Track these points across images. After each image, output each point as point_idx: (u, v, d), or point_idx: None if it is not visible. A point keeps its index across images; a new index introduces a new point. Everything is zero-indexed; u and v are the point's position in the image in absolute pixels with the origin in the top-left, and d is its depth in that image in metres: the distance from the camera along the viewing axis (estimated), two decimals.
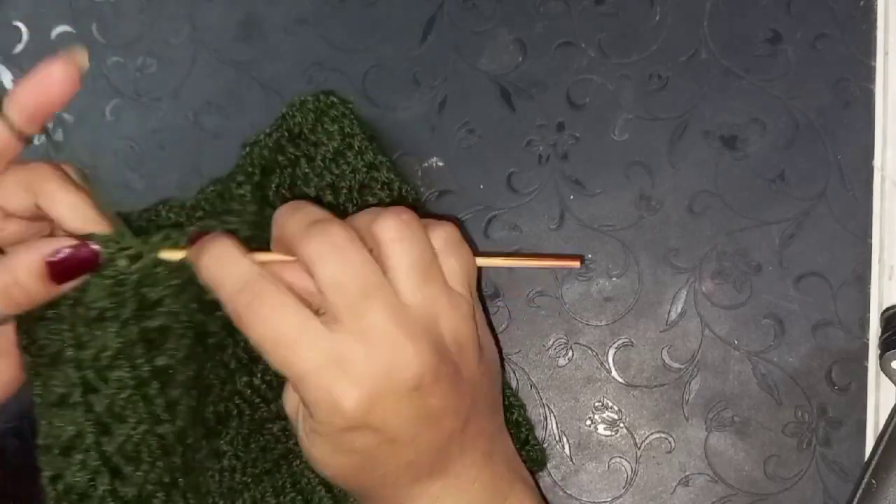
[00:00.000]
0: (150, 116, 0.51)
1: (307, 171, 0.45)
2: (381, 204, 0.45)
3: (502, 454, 0.41)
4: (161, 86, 0.51)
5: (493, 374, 0.41)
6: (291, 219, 0.37)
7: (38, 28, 0.51)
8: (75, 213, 0.38)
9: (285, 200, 0.45)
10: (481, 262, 0.40)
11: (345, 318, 0.35)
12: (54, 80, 0.37)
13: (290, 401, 0.39)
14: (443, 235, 0.38)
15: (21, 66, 0.51)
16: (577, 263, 0.41)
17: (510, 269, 0.49)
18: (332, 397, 0.34)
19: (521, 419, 0.46)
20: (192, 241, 0.38)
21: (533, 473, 0.46)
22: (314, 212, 0.37)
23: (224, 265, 0.36)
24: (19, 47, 0.51)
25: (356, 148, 0.45)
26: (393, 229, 0.36)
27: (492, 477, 0.40)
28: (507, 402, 0.45)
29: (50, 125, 0.51)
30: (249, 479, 0.44)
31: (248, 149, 0.46)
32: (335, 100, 0.46)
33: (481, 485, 0.39)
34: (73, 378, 0.38)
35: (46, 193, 0.38)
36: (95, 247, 0.37)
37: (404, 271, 0.36)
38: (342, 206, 0.45)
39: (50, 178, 0.38)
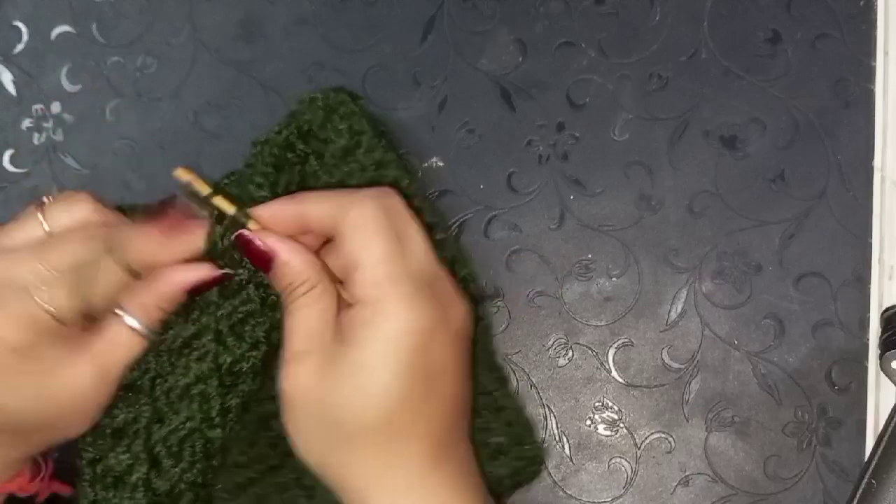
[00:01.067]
0: (150, 116, 0.51)
1: (316, 168, 0.45)
2: None
3: (460, 462, 0.41)
4: (161, 86, 0.51)
5: (463, 387, 0.42)
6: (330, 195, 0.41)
7: (38, 28, 0.51)
8: (178, 256, 0.41)
9: None
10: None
11: (419, 250, 0.40)
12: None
13: (304, 359, 0.39)
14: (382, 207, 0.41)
15: (21, 66, 0.51)
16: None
17: (510, 270, 0.49)
18: (422, 303, 0.38)
19: (513, 420, 0.46)
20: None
21: (531, 477, 0.46)
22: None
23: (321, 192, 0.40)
24: (19, 47, 0.51)
25: (365, 145, 0.45)
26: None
27: (442, 482, 0.40)
28: (497, 405, 0.45)
29: (50, 124, 0.51)
30: (255, 475, 0.44)
31: (259, 147, 0.45)
32: (345, 97, 0.45)
33: (429, 489, 0.40)
34: (149, 362, 0.40)
35: (141, 256, 0.41)
36: (228, 271, 0.41)
37: (417, 242, 0.40)
38: None
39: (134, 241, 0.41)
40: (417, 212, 0.45)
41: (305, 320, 0.38)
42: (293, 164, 0.45)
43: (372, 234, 0.38)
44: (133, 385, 0.40)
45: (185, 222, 0.41)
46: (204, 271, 0.40)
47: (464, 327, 0.40)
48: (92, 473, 0.40)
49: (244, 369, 0.40)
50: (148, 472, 0.39)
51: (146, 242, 0.40)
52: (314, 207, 0.40)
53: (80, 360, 0.39)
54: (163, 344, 0.40)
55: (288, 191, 0.45)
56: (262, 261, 0.39)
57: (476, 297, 0.46)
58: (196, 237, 0.41)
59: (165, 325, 0.41)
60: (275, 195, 0.45)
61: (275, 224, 0.40)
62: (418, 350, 0.37)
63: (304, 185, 0.46)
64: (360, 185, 0.45)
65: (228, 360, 0.40)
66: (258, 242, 0.39)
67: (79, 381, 0.39)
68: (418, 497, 0.38)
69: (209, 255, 0.40)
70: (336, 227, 0.39)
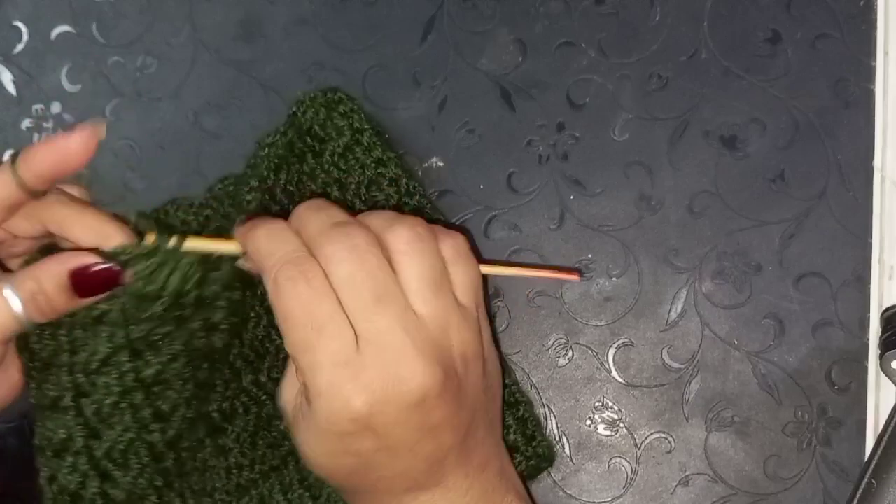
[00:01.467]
0: (150, 116, 0.51)
1: (314, 166, 0.45)
2: (389, 200, 0.45)
3: (497, 467, 0.41)
4: (161, 86, 0.51)
5: (495, 389, 0.42)
6: (315, 217, 0.37)
7: (38, 28, 0.51)
8: (90, 233, 0.39)
9: (291, 196, 0.45)
10: (485, 270, 0.40)
11: (357, 320, 0.35)
12: (71, 149, 0.38)
13: (288, 390, 0.39)
14: (453, 246, 0.38)
15: (21, 66, 0.51)
16: (575, 277, 0.44)
17: None
18: (342, 394, 0.35)
19: (527, 415, 0.46)
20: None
21: (524, 478, 0.46)
22: (337, 213, 0.38)
23: (277, 239, 0.37)
24: (19, 47, 0.51)
25: (365, 144, 0.45)
26: (407, 240, 0.37)
27: (483, 488, 0.40)
28: (512, 399, 0.45)
29: (50, 125, 0.51)
30: (257, 476, 0.44)
31: (266, 150, 0.45)
32: (343, 95, 0.46)
33: (472, 496, 0.39)
34: (65, 382, 0.39)
35: (56, 222, 0.39)
36: (118, 267, 0.38)
37: (416, 282, 0.36)
38: (349, 202, 0.46)
39: (55, 206, 0.39)
40: (418, 210, 0.45)
41: (286, 391, 0.39)
42: (291, 163, 0.45)
43: (283, 316, 0.36)
44: (56, 405, 0.39)
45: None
46: (85, 257, 0.38)
47: (415, 401, 0.36)
48: (51, 492, 0.39)
49: (168, 378, 0.40)
50: (101, 485, 0.39)
51: (42, 149, 0.38)
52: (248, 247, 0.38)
53: None
54: (77, 364, 0.39)
55: (286, 190, 0.45)
56: (104, 284, 0.38)
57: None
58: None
59: (51, 328, 0.39)
60: (265, 198, 0.45)
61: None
62: (343, 435, 0.36)
63: (300, 184, 0.45)
64: (359, 184, 0.45)
65: (151, 372, 0.39)
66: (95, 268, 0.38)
67: None
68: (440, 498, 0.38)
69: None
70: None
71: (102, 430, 0.39)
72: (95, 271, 0.38)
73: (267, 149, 0.45)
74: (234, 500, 0.44)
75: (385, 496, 0.38)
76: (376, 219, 0.38)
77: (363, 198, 0.45)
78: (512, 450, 0.44)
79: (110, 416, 0.39)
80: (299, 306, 0.35)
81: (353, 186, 0.45)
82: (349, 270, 0.35)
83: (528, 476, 0.46)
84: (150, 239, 0.38)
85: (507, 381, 0.45)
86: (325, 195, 0.45)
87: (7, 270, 0.41)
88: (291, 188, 0.45)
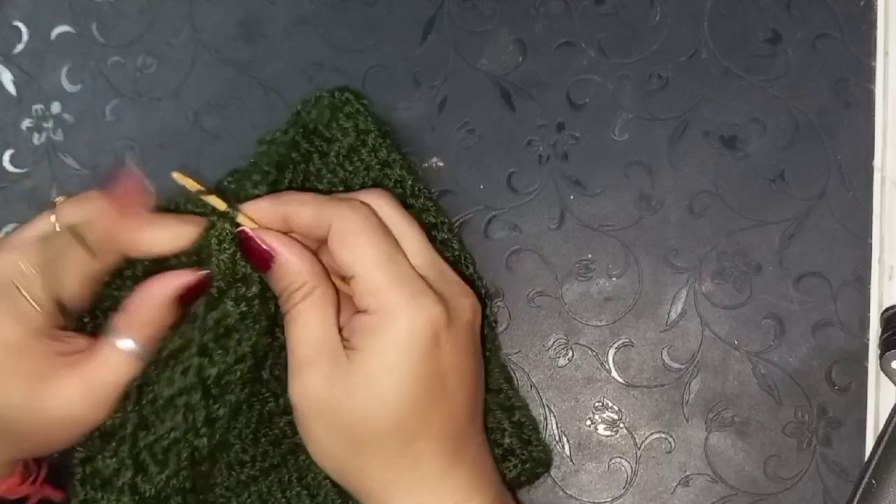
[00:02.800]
0: (150, 116, 0.51)
1: (320, 167, 0.45)
2: None
3: (475, 463, 0.41)
4: (161, 86, 0.51)
5: (479, 384, 0.42)
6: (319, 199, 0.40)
7: (38, 28, 0.51)
8: (168, 239, 0.41)
9: None
10: None
11: (416, 249, 0.40)
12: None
13: (311, 367, 0.38)
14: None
15: (21, 66, 0.51)
16: None
17: (510, 270, 0.49)
18: (425, 303, 0.38)
19: (523, 419, 0.46)
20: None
21: (518, 484, 0.46)
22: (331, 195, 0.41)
23: (307, 194, 0.41)
24: (19, 47, 0.51)
25: (370, 145, 0.45)
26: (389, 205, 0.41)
27: (487, 466, 0.41)
28: (509, 403, 0.45)
29: (50, 124, 0.51)
30: (258, 473, 0.44)
31: (264, 146, 0.45)
32: (349, 96, 0.45)
33: (491, 461, 0.41)
34: (128, 410, 0.40)
35: (132, 245, 0.41)
36: (207, 271, 0.40)
37: (414, 240, 0.40)
38: None
39: (126, 229, 0.41)
40: (422, 211, 0.45)
41: (308, 327, 0.38)
42: (297, 163, 0.45)
43: (360, 243, 0.38)
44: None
45: (135, 193, 0.40)
46: (183, 277, 0.40)
47: (472, 320, 0.39)
48: (82, 473, 0.40)
49: (230, 381, 0.40)
50: (133, 476, 0.39)
51: (102, 220, 0.40)
52: (297, 211, 0.39)
53: (70, 376, 0.38)
54: (144, 399, 0.40)
55: (291, 190, 0.45)
56: (261, 260, 0.39)
57: (481, 297, 0.46)
58: (158, 225, 0.41)
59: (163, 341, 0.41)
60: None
61: (260, 223, 0.40)
62: (426, 353, 0.37)
63: (306, 184, 0.45)
64: (364, 185, 0.45)
65: (213, 372, 0.39)
66: (258, 241, 0.39)
67: (66, 396, 0.38)
68: (437, 497, 0.38)
69: (197, 259, 0.40)
70: (322, 234, 0.39)
71: (153, 422, 0.40)
72: (196, 283, 0.40)
73: (266, 145, 0.45)
74: (234, 496, 0.44)
75: (443, 443, 0.38)
76: (350, 197, 0.41)
77: None
78: (508, 454, 0.44)
79: (164, 409, 0.39)
80: (371, 224, 0.38)
81: (358, 187, 0.45)
82: (396, 208, 0.41)
83: (525, 480, 0.46)
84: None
85: (504, 386, 0.45)
86: None
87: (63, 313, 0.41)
88: (297, 188, 0.45)
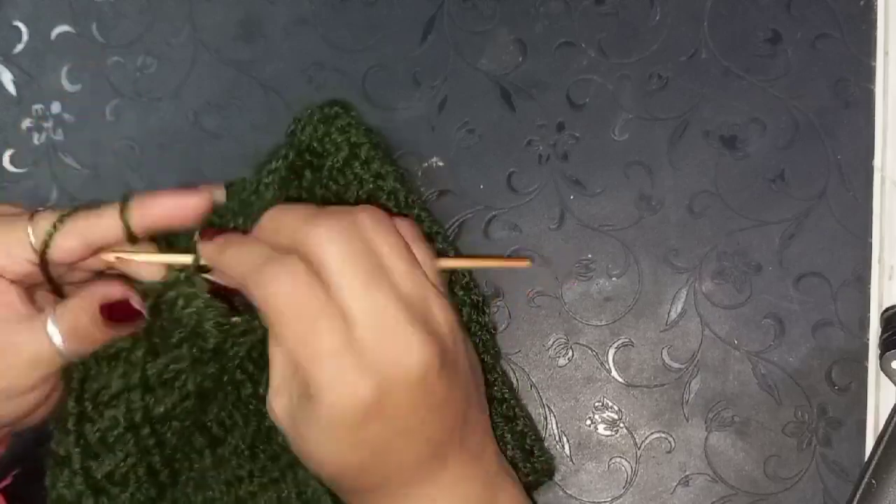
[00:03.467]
0: (150, 116, 0.51)
1: (312, 181, 0.45)
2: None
3: (493, 450, 0.41)
4: (161, 86, 0.51)
5: (477, 367, 0.41)
6: (289, 214, 0.37)
7: (38, 28, 0.51)
8: (148, 269, 0.41)
9: None
10: (440, 263, 0.40)
11: (351, 302, 0.35)
12: (189, 206, 0.40)
13: (278, 398, 0.37)
14: (408, 226, 0.39)
15: (21, 66, 0.51)
16: (526, 264, 0.44)
17: (511, 269, 0.49)
18: (347, 382, 0.34)
19: (525, 429, 0.45)
20: (203, 236, 0.39)
21: (538, 485, 0.46)
22: (307, 207, 0.38)
23: (249, 246, 0.38)
24: (19, 47, 0.51)
25: (362, 157, 0.45)
26: (372, 221, 0.37)
27: (486, 473, 0.40)
28: (511, 413, 0.45)
29: (50, 124, 0.51)
30: (256, 489, 0.44)
31: (269, 177, 0.44)
32: (339, 109, 0.45)
33: (476, 482, 0.39)
34: (70, 407, 0.40)
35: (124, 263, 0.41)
36: (137, 305, 0.39)
37: (394, 258, 0.36)
38: None
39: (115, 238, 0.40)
40: (416, 221, 0.45)
41: (280, 357, 0.37)
42: (291, 181, 0.44)
43: (276, 322, 0.36)
44: (62, 425, 0.40)
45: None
46: (113, 289, 0.39)
47: (418, 377, 0.35)
48: (51, 498, 0.41)
49: (177, 414, 0.41)
50: (97, 500, 0.40)
51: (160, 201, 0.40)
52: (230, 274, 0.39)
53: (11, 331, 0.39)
54: (86, 393, 0.40)
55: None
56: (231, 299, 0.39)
57: (478, 303, 0.46)
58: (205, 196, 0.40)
59: (89, 374, 0.40)
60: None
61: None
62: (354, 427, 0.35)
63: (300, 199, 0.45)
64: (357, 198, 0.45)
65: (160, 410, 0.40)
66: (218, 282, 0.39)
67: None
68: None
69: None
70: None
71: (103, 454, 0.40)
72: (121, 305, 0.39)
73: (270, 175, 0.44)
74: None
75: (397, 490, 0.38)
76: (336, 209, 0.38)
77: None
78: (510, 465, 0.44)
79: (114, 444, 0.40)
80: (288, 301, 0.35)
81: (351, 201, 0.45)
82: (340, 251, 0.35)
83: (528, 489, 0.46)
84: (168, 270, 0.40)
85: (506, 395, 0.45)
86: None
87: (61, 294, 0.42)
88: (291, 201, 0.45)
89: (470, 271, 0.46)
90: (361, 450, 0.36)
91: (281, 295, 0.35)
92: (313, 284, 0.35)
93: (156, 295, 0.40)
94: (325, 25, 0.51)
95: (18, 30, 0.51)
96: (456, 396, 0.37)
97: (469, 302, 0.45)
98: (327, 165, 0.45)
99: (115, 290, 0.39)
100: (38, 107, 0.51)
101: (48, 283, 0.41)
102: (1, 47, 0.51)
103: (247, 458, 0.44)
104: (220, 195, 0.41)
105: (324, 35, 0.51)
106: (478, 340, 0.45)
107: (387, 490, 0.38)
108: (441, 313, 0.37)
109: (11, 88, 0.51)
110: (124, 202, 0.40)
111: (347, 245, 0.35)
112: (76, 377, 0.40)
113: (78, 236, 0.39)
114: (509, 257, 0.48)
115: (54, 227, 0.39)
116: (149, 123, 0.51)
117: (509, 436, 0.45)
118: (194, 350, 0.40)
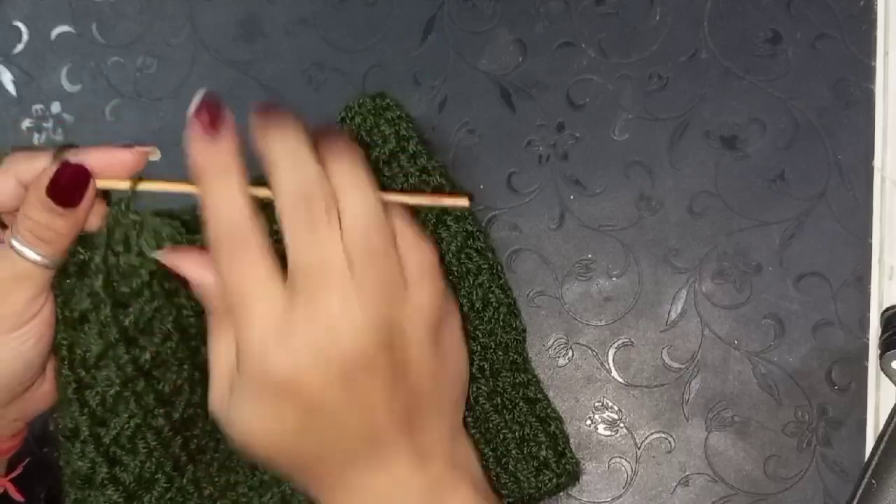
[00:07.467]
0: (150, 116, 0.51)
1: None
2: (431, 209, 0.45)
3: (447, 458, 0.39)
4: (161, 86, 0.51)
5: (450, 375, 0.40)
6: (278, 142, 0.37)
7: (38, 28, 0.51)
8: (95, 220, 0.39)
9: None
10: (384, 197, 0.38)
11: (294, 250, 0.34)
12: (125, 160, 0.39)
13: (218, 389, 0.37)
14: (406, 222, 0.37)
15: (21, 66, 0.51)
16: (464, 202, 0.39)
17: (510, 270, 0.49)
18: (267, 357, 0.34)
19: (557, 431, 0.45)
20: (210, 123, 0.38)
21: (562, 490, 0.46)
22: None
23: (224, 200, 0.36)
24: (19, 47, 0.51)
25: (410, 151, 0.44)
26: (351, 186, 0.36)
27: (430, 481, 0.38)
28: (544, 414, 0.45)
29: (50, 125, 0.51)
30: (279, 475, 0.44)
31: None
32: (390, 101, 0.45)
33: (419, 487, 0.38)
34: (66, 376, 0.40)
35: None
36: (77, 160, 0.38)
37: (360, 241, 0.35)
38: None
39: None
40: (459, 219, 0.45)
41: (215, 343, 0.37)
42: None
43: (229, 301, 0.35)
44: (64, 397, 0.40)
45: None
46: (41, 162, 0.38)
47: (354, 357, 0.35)
48: (66, 475, 0.40)
49: (166, 359, 0.40)
50: (110, 469, 0.40)
51: (97, 152, 0.39)
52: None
53: None
54: (76, 360, 0.40)
55: None
56: (180, 279, 0.38)
57: (472, 232, 0.45)
58: None
59: (70, 343, 0.40)
60: None
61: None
62: (278, 397, 0.35)
63: None
64: (402, 190, 0.44)
65: (147, 357, 0.40)
66: (166, 263, 0.38)
67: None
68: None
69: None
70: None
71: (109, 418, 0.40)
72: (64, 174, 0.38)
73: None
74: (257, 496, 0.44)
75: (328, 470, 0.37)
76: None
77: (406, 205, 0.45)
78: (543, 466, 0.44)
79: (115, 404, 0.40)
80: (233, 271, 0.35)
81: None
82: (288, 179, 0.35)
83: (550, 493, 0.46)
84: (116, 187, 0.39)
85: (539, 396, 0.45)
86: None
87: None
88: None
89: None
90: (280, 424, 0.36)
91: (228, 266, 0.35)
92: (269, 265, 0.35)
93: (106, 240, 0.39)
94: (325, 25, 0.51)
95: (18, 30, 0.51)
96: (388, 399, 0.36)
97: (463, 232, 0.45)
98: (373, 156, 0.45)
99: (41, 162, 0.38)
100: (38, 107, 0.51)
101: None
102: (1, 47, 0.51)
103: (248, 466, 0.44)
104: (153, 155, 0.40)
105: (324, 35, 0.51)
106: (483, 280, 0.45)
107: (317, 471, 0.37)
108: (404, 310, 0.36)
109: (11, 88, 0.51)
110: (59, 149, 0.39)
111: (300, 174, 0.35)
112: (64, 344, 0.39)
113: (13, 176, 0.39)
114: (447, 192, 0.46)
115: None
116: (149, 123, 0.51)
117: (543, 436, 0.45)
118: (165, 285, 0.39)
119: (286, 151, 0.37)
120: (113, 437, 0.40)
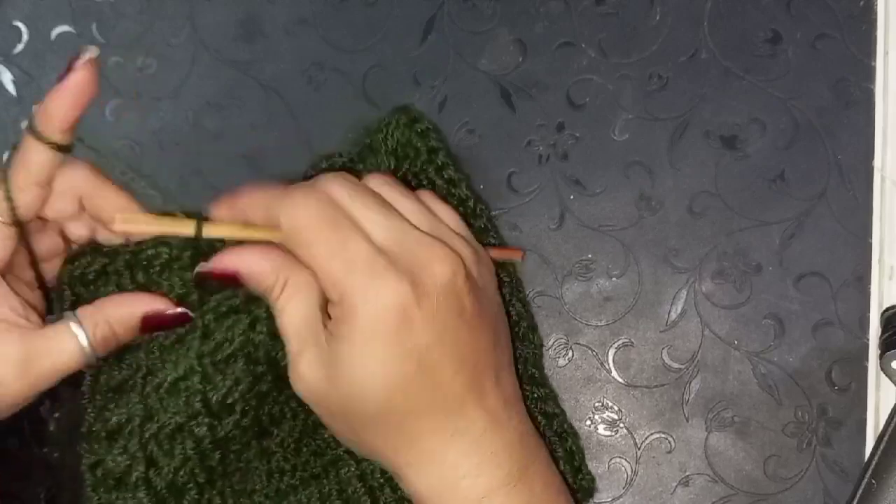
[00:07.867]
0: (150, 116, 0.51)
1: None
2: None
3: (524, 411, 0.41)
4: (161, 86, 0.51)
5: (505, 321, 0.42)
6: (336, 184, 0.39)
7: (38, 28, 0.51)
8: (114, 205, 0.40)
9: None
10: None
11: (374, 225, 0.38)
12: (80, 82, 0.40)
13: (305, 354, 0.38)
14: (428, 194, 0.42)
15: (21, 66, 0.51)
16: (518, 255, 0.46)
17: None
18: (386, 282, 0.36)
19: (574, 447, 0.45)
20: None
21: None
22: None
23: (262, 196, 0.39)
24: (19, 47, 0.51)
25: (438, 163, 0.45)
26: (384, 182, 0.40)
27: (522, 421, 0.40)
28: (561, 429, 0.45)
29: None
30: (297, 483, 0.44)
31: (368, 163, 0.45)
32: (418, 114, 0.45)
33: (514, 427, 0.39)
34: (140, 359, 0.41)
35: (92, 199, 0.40)
36: (188, 312, 0.40)
37: (404, 200, 0.40)
38: None
39: (83, 173, 0.40)
40: (482, 231, 0.45)
41: (289, 322, 0.38)
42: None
43: (308, 239, 0.37)
44: (122, 387, 0.41)
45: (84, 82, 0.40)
46: (158, 303, 0.40)
47: (448, 283, 0.37)
48: (93, 477, 0.40)
49: (233, 368, 0.41)
50: (146, 470, 0.40)
51: (55, 98, 0.39)
52: (251, 213, 0.39)
53: (13, 337, 0.38)
54: (148, 386, 0.41)
55: None
56: (229, 282, 0.39)
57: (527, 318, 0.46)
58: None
59: (116, 359, 0.41)
60: None
61: (224, 233, 0.40)
62: (393, 334, 0.36)
63: None
64: None
65: (211, 354, 0.40)
66: (215, 272, 0.39)
67: (2, 353, 0.37)
68: (442, 470, 0.38)
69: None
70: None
71: (156, 410, 0.40)
72: (168, 315, 0.40)
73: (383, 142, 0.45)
74: (272, 503, 0.44)
75: (445, 419, 0.38)
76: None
77: None
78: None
79: (169, 395, 0.40)
80: (319, 214, 0.37)
81: None
82: (346, 184, 0.38)
83: None
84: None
85: (556, 412, 0.45)
86: None
87: (38, 274, 0.41)
88: None
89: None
90: (407, 361, 0.36)
91: (309, 210, 0.37)
92: (336, 206, 0.37)
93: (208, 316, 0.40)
94: (325, 25, 0.51)
95: (18, 30, 0.51)
96: (486, 320, 0.39)
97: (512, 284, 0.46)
98: (403, 169, 0.45)
99: (161, 303, 0.40)
100: (38, 107, 0.51)
101: (28, 253, 0.40)
102: (1, 47, 0.51)
103: (292, 451, 0.44)
104: (93, 51, 0.40)
105: (324, 35, 0.51)
106: (505, 293, 0.45)
107: (435, 418, 0.38)
108: (463, 247, 0.39)
109: (11, 88, 0.51)
110: (29, 122, 0.39)
111: (353, 185, 0.39)
112: (139, 373, 0.40)
113: (29, 184, 0.39)
114: (505, 248, 0.48)
115: (6, 189, 0.39)
116: (149, 123, 0.51)
117: (560, 451, 0.44)
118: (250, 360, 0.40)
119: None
120: (154, 433, 0.40)
